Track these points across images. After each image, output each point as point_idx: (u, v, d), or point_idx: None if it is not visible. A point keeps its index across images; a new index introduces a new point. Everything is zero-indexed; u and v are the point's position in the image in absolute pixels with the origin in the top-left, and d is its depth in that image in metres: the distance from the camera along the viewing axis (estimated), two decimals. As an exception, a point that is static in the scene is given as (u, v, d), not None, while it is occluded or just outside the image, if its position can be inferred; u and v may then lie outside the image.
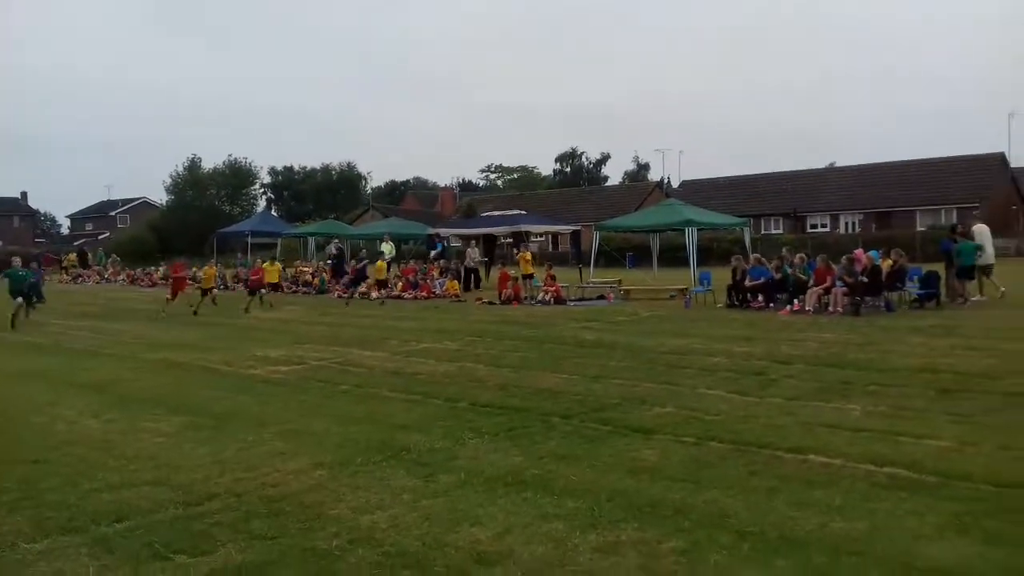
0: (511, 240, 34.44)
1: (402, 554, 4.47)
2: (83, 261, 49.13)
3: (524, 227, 29.60)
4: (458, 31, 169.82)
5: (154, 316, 20.38)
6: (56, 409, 8.88)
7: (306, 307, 23.05)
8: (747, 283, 18.98)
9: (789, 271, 18.27)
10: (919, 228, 45.64)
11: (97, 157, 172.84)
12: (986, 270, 18.32)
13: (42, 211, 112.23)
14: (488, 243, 32.66)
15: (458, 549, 4.51)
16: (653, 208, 31.45)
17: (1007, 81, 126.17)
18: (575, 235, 30.33)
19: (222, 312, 20.88)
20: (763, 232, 51.48)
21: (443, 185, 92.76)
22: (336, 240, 33.55)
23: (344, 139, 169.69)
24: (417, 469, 6.13)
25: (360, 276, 25.59)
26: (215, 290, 22.94)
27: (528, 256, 25.07)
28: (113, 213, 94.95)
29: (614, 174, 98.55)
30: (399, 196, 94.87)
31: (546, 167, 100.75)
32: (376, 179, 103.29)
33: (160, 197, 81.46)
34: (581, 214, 53.31)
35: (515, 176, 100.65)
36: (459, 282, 26.60)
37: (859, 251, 19.53)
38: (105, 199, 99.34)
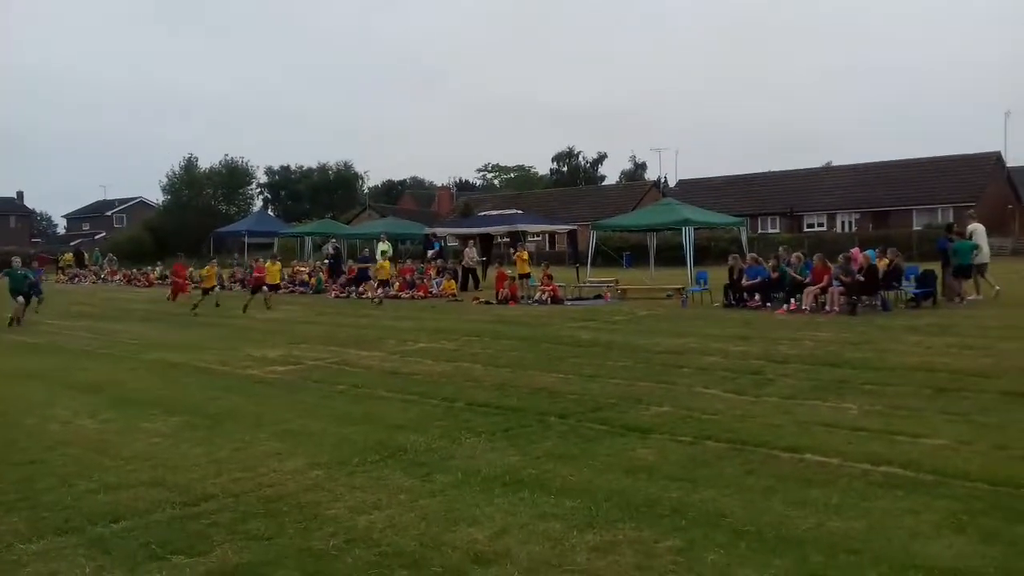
0: (508, 240, 34.42)
1: (399, 554, 4.47)
2: (79, 261, 49.02)
3: (521, 227, 29.56)
4: (456, 30, 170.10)
5: (149, 316, 20.33)
6: (52, 409, 8.86)
7: (303, 307, 23.03)
8: (744, 282, 19.00)
9: (786, 270, 18.28)
10: (915, 227, 45.77)
11: (93, 157, 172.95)
12: (981, 269, 18.36)
13: (38, 211, 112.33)
14: (485, 243, 32.66)
15: (455, 549, 4.51)
16: (650, 207, 31.49)
17: (1004, 81, 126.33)
18: (572, 235, 30.31)
19: (219, 312, 20.85)
20: (760, 231, 51.59)
21: (440, 185, 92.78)
22: (333, 240, 33.50)
23: (341, 139, 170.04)
24: (414, 469, 6.13)
25: (362, 277, 25.56)
26: (216, 289, 22.76)
27: (525, 256, 25.06)
28: (109, 213, 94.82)
29: (611, 174, 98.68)
30: (396, 196, 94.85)
31: (543, 167, 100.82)
32: (373, 179, 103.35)
33: (156, 197, 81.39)
34: (578, 214, 53.36)
35: (512, 176, 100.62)
36: (456, 282, 26.60)
37: (856, 250, 19.57)
38: (101, 199, 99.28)
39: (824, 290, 16.87)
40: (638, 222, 28.04)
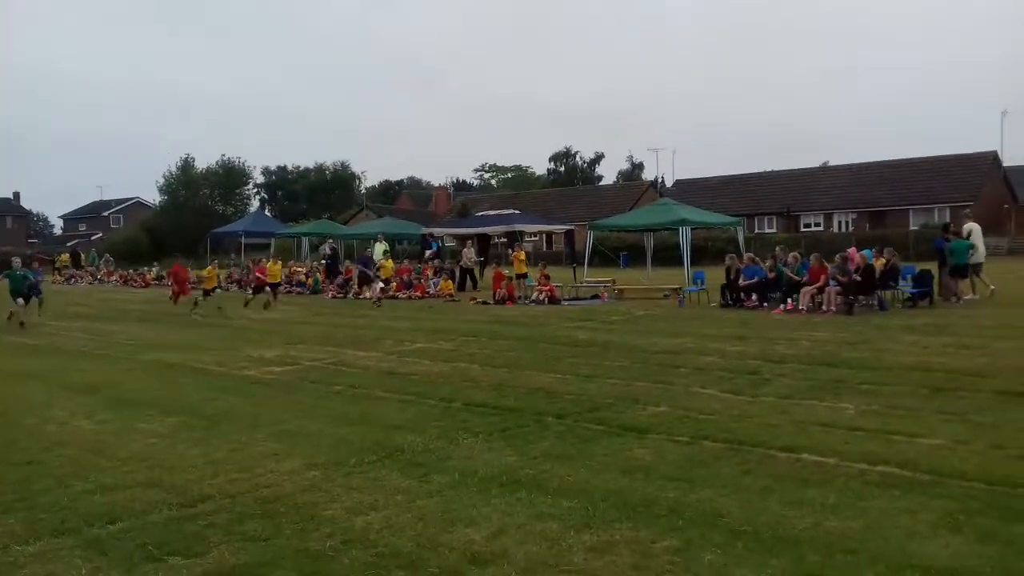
0: (505, 240, 34.44)
1: (396, 555, 4.46)
2: (76, 262, 48.93)
3: (518, 227, 29.57)
4: (456, 30, 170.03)
5: (145, 317, 20.29)
6: (49, 410, 8.84)
7: (300, 307, 23.00)
8: (741, 282, 19.02)
9: (783, 270, 18.30)
10: (912, 227, 45.84)
11: (92, 157, 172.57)
12: (976, 268, 18.39)
13: (35, 212, 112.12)
14: (482, 243, 32.66)
15: (452, 549, 4.51)
16: (647, 207, 31.54)
17: (1003, 81, 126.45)
18: (569, 235, 30.33)
19: (216, 313, 20.81)
20: (757, 231, 51.57)
21: (437, 185, 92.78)
22: (330, 240, 33.49)
23: (341, 139, 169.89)
24: (411, 469, 6.12)
25: (365, 278, 25.55)
26: (218, 291, 22.42)
27: (522, 256, 25.07)
28: (106, 213, 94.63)
29: (608, 174, 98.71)
30: (393, 196, 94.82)
31: (540, 167, 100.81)
32: (370, 179, 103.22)
33: (153, 197, 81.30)
34: (575, 213, 53.40)
35: (509, 176, 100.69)
36: (454, 282, 26.60)
37: (852, 250, 19.55)
38: (98, 199, 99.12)
39: (821, 290, 16.90)
40: (635, 222, 28.06)
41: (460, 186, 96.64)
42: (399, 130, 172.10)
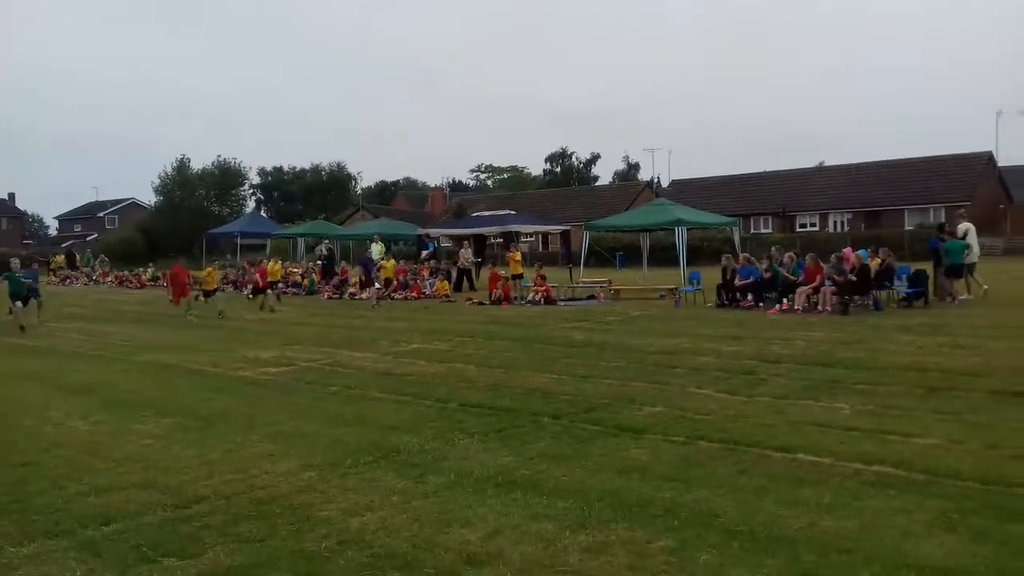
0: (501, 240, 34.45)
1: (391, 555, 4.46)
2: (71, 263, 48.82)
3: (514, 227, 29.62)
4: (456, 30, 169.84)
5: (141, 318, 20.23)
6: (44, 411, 8.82)
7: (296, 308, 22.96)
8: (736, 282, 19.04)
9: (779, 270, 18.33)
10: (907, 227, 45.87)
11: (91, 158, 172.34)
12: (970, 268, 18.44)
13: (30, 212, 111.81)
14: (478, 243, 32.66)
15: (448, 550, 4.50)
16: (643, 208, 31.53)
17: (1003, 81, 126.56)
18: (565, 235, 30.37)
19: (211, 313, 20.75)
20: (752, 231, 51.66)
21: (433, 185, 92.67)
22: (326, 241, 33.47)
23: (341, 139, 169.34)
24: (407, 470, 6.12)
25: (367, 280, 25.55)
26: (219, 292, 21.87)
27: (518, 256, 25.07)
28: (101, 214, 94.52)
29: (604, 174, 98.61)
30: (389, 196, 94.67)
31: (536, 167, 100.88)
32: (366, 179, 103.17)
33: (149, 198, 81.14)
34: (571, 214, 53.36)
35: (505, 176, 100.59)
36: (450, 283, 26.59)
37: (848, 250, 19.59)
38: (93, 200, 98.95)
39: (816, 290, 16.91)
40: (631, 222, 28.08)
41: (456, 187, 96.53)
42: (399, 130, 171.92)
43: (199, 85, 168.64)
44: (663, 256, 29.94)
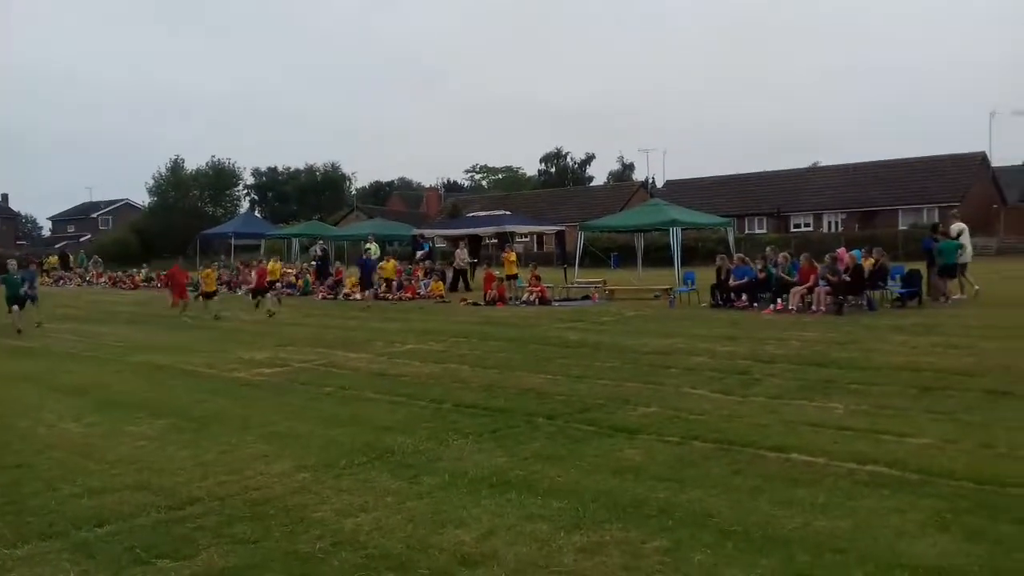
0: (496, 241, 34.46)
1: (386, 556, 4.46)
2: (65, 263, 48.66)
3: (509, 227, 29.59)
4: (456, 30, 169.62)
5: (134, 319, 20.17)
6: (38, 413, 8.79)
7: (290, 309, 22.90)
8: (731, 283, 19.06)
9: (773, 270, 18.36)
10: (901, 227, 46.04)
11: (90, 158, 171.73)
12: (962, 268, 18.49)
13: (23, 213, 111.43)
14: (473, 244, 32.66)
15: (442, 551, 4.50)
16: (638, 208, 31.54)
17: (1004, 81, 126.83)
18: (560, 235, 30.34)
19: (205, 314, 20.70)
20: (747, 232, 51.77)
21: (428, 186, 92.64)
22: (321, 241, 33.42)
23: (341, 139, 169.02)
24: (401, 471, 6.11)
25: (367, 281, 25.51)
26: (217, 297, 21.58)
27: (513, 257, 25.07)
28: (95, 215, 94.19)
29: (599, 174, 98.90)
30: (384, 197, 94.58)
31: (531, 167, 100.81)
32: (361, 180, 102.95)
33: (143, 199, 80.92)
34: (566, 214, 53.37)
35: (500, 176, 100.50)
36: (445, 283, 26.58)
37: (842, 250, 19.67)
38: (87, 201, 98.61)
39: (811, 290, 16.95)
40: (626, 223, 28.11)
41: (451, 187, 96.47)
42: (399, 130, 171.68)
43: (199, 85, 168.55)
44: (658, 256, 30.01)
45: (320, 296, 27.28)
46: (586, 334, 14.55)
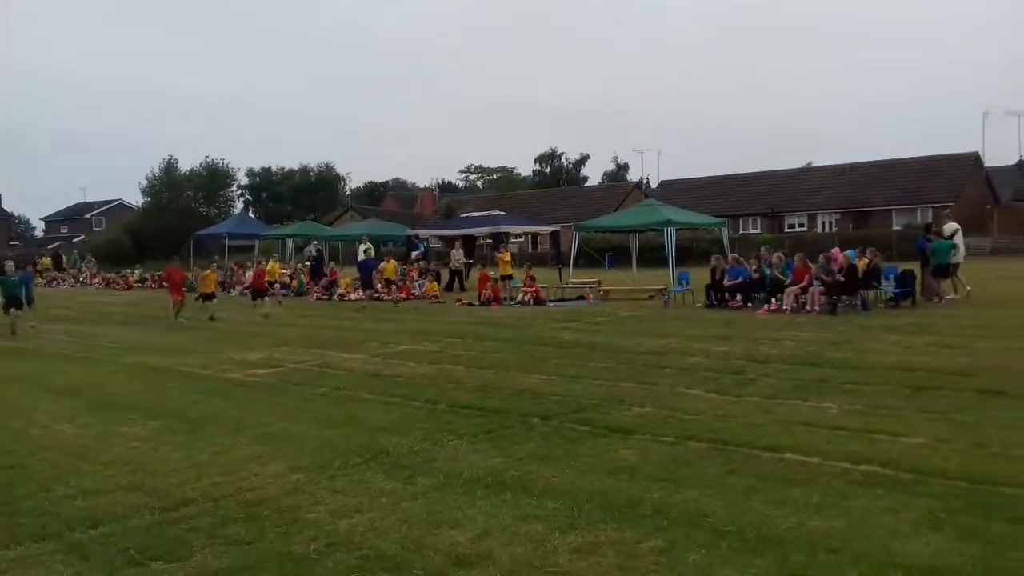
0: (491, 241, 34.46)
1: (380, 557, 4.45)
2: (58, 264, 48.51)
3: (503, 228, 29.61)
4: (456, 30, 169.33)
5: (128, 320, 20.10)
6: (31, 414, 8.76)
7: (285, 309, 22.85)
8: (725, 283, 19.10)
9: (767, 271, 18.40)
10: (895, 227, 46.15)
11: (89, 158, 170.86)
12: (954, 268, 18.55)
13: (16, 214, 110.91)
14: (468, 244, 32.66)
15: (437, 552, 4.50)
16: (632, 208, 31.63)
17: (1004, 81, 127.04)
18: (555, 236, 30.38)
19: (200, 315, 20.64)
20: (741, 232, 51.84)
21: (423, 186, 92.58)
22: (315, 242, 33.38)
23: (341, 139, 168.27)
24: (396, 472, 6.11)
25: (368, 281, 25.45)
26: (215, 299, 21.20)
27: (507, 257, 25.07)
28: (89, 215, 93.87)
29: (594, 175, 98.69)
30: (378, 197, 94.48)
31: (526, 168, 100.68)
32: (355, 180, 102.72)
33: (136, 199, 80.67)
34: (561, 215, 53.44)
35: (495, 177, 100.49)
36: (440, 284, 26.57)
37: (836, 250, 19.69)
38: (80, 201, 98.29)
39: (805, 290, 16.99)
40: (620, 223, 28.14)
41: (445, 187, 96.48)
42: (399, 130, 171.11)
43: (199, 85, 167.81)
44: (652, 256, 29.99)
45: (315, 297, 27.25)
46: (581, 334, 14.56)
